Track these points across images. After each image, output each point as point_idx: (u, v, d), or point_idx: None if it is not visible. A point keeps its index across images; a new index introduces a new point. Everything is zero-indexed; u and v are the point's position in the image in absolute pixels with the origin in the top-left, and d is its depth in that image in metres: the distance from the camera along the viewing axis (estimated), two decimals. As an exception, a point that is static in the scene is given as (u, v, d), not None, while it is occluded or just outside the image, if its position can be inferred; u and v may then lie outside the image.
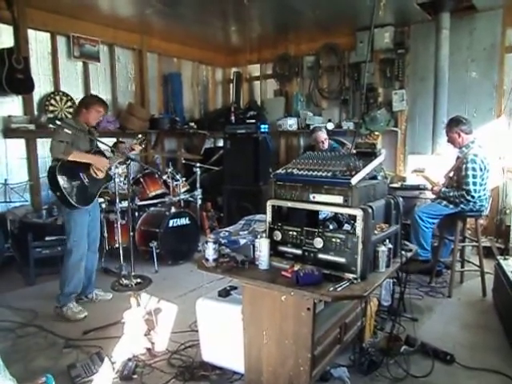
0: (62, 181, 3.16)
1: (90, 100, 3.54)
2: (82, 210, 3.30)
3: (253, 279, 2.10)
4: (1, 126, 4.73)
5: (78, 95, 5.38)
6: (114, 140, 5.53)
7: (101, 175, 3.44)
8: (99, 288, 3.75)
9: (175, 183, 4.94)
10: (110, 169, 3.68)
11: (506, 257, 3.64)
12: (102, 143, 3.61)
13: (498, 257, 3.73)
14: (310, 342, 2.00)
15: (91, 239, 3.50)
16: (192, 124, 6.53)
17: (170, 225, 4.53)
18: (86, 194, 3.32)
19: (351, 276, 1.99)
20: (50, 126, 3.29)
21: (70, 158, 3.20)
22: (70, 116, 5.18)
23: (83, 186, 3.31)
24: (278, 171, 2.31)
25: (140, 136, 3.92)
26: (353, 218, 2.08)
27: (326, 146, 4.91)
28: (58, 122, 3.20)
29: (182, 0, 4.71)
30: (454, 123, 3.79)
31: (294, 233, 2.19)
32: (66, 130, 3.18)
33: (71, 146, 3.22)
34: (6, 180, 4.70)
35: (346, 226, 2.31)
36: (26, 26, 4.75)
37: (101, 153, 3.53)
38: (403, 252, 2.35)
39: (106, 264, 4.45)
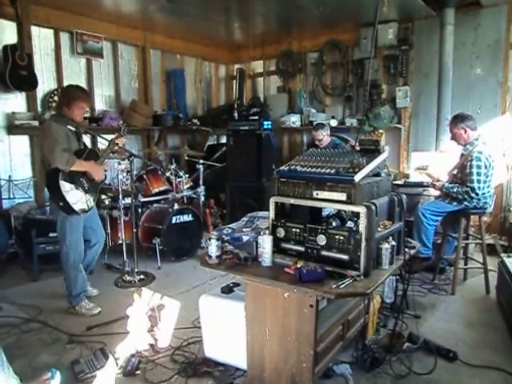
0: (66, 191, 3.08)
1: (70, 96, 3.26)
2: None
3: (256, 276, 2.11)
4: (4, 122, 4.75)
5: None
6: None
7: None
8: (88, 282, 3.68)
9: (178, 180, 4.94)
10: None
11: (510, 254, 3.62)
12: (102, 138, 3.52)
13: (502, 254, 3.72)
14: (313, 339, 2.00)
15: (98, 238, 3.52)
16: (195, 121, 6.53)
17: (173, 221, 4.53)
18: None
19: (354, 273, 1.98)
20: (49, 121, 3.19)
21: (73, 169, 3.11)
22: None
23: (84, 190, 3.24)
24: (281, 168, 2.30)
25: (121, 123, 3.67)
26: (356, 215, 2.07)
27: (324, 143, 4.93)
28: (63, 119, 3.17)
29: (185, -4, 4.71)
30: (460, 119, 3.76)
31: (297, 230, 2.18)
32: (69, 127, 3.17)
33: (70, 151, 3.14)
34: (9, 176, 4.72)
35: (350, 223, 2.30)
36: (29, 23, 4.76)
37: (94, 152, 3.42)
38: (406, 249, 2.35)
39: (109, 260, 4.46)
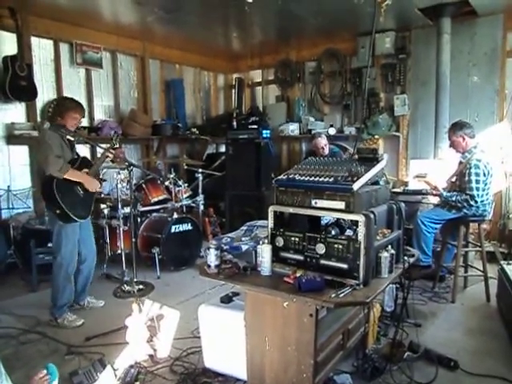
0: (61, 198, 3.09)
1: (63, 107, 3.33)
2: (75, 223, 3.25)
3: (255, 285, 2.10)
4: (4, 132, 4.76)
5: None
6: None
7: None
8: (91, 295, 3.71)
9: (177, 189, 4.94)
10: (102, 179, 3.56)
11: (510, 261, 3.61)
12: (101, 147, 3.51)
13: (502, 261, 3.71)
14: (313, 349, 1.99)
15: (88, 250, 3.48)
16: (194, 130, 6.54)
17: (172, 231, 4.52)
18: (82, 206, 3.28)
19: (353, 282, 1.98)
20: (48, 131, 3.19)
21: (66, 177, 3.13)
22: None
23: (79, 198, 3.26)
24: (279, 177, 2.31)
25: (112, 133, 3.68)
26: (355, 223, 2.07)
27: (326, 151, 4.90)
28: (63, 130, 3.17)
29: (183, 7, 4.74)
30: (458, 127, 3.78)
31: (296, 239, 2.18)
32: (68, 137, 3.18)
33: (64, 160, 3.16)
34: (8, 186, 4.71)
35: (348, 232, 2.30)
36: (29, 34, 4.80)
37: (87, 161, 3.46)
38: (406, 257, 2.34)
39: (108, 270, 4.45)
